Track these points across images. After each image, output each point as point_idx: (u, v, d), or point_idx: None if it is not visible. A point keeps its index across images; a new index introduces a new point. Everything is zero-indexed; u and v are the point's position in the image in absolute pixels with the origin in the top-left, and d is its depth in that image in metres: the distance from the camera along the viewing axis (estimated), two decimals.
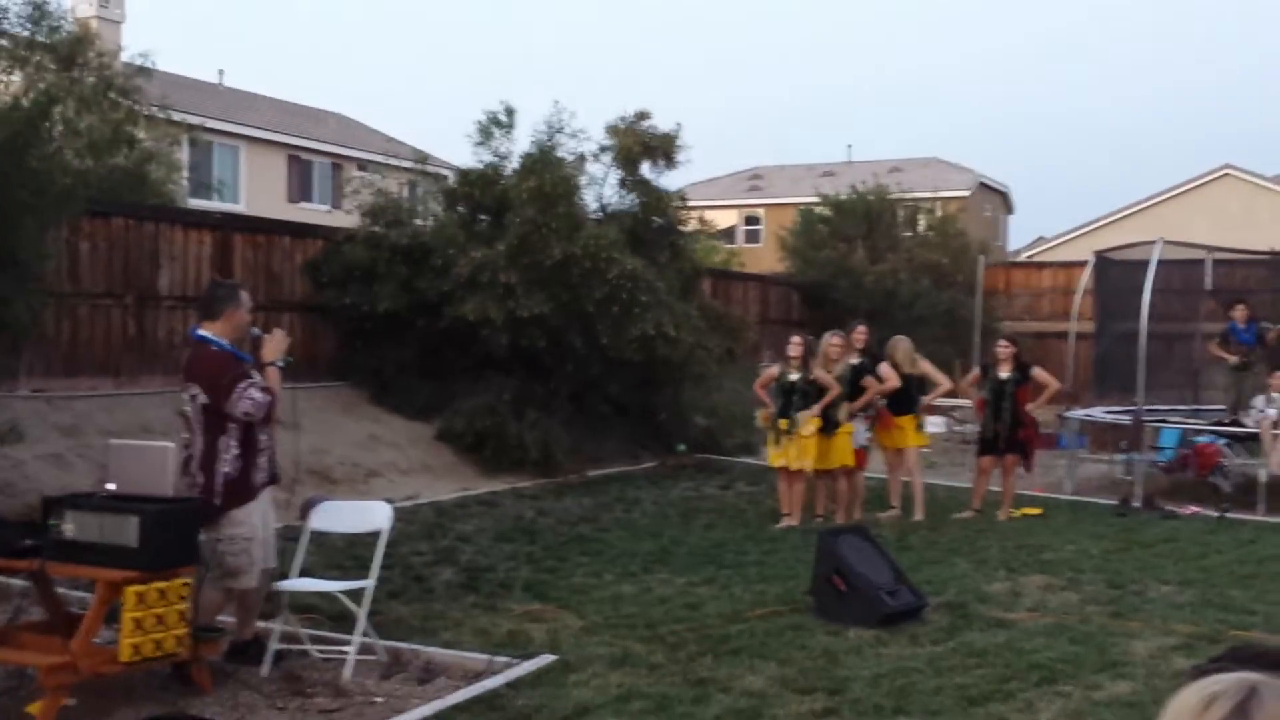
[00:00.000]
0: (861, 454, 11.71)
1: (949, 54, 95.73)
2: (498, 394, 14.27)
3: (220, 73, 33.67)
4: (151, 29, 62.65)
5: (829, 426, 11.21)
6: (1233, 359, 14.84)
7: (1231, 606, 8.11)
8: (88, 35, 16.31)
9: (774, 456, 11.42)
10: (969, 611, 7.81)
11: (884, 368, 11.80)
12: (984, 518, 11.71)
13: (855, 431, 11.54)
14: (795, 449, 11.11)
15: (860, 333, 11.90)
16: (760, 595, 8.26)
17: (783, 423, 11.15)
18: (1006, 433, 11.80)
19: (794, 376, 11.17)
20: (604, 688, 6.09)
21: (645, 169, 16.89)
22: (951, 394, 14.27)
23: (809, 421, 11.07)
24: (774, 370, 11.52)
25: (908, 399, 11.96)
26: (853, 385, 11.43)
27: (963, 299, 23.35)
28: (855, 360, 11.61)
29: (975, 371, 12.89)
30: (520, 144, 15.96)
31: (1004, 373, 11.79)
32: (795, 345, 11.28)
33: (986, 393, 11.99)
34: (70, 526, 5.77)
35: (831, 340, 11.50)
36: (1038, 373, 12.04)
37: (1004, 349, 11.97)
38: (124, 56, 17.94)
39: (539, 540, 10.35)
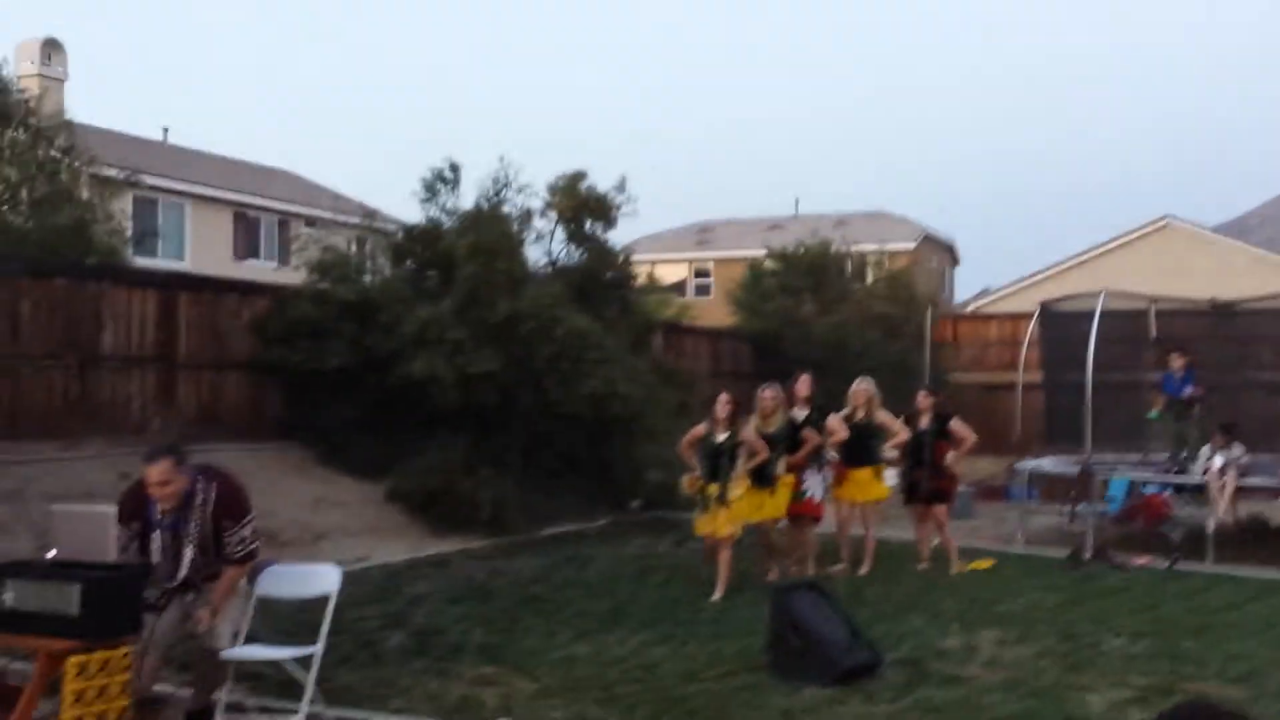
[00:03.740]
0: (819, 507, 11.54)
1: (894, 107, 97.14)
2: (448, 452, 14.13)
3: (165, 130, 33.46)
4: (95, 87, 62.41)
5: (765, 480, 10.74)
6: (1154, 410, 14.79)
7: (1185, 657, 8.13)
8: (30, 96, 16.17)
9: (700, 523, 10.68)
10: (924, 668, 7.78)
11: (831, 420, 11.69)
12: (936, 569, 11.70)
13: (811, 485, 11.40)
14: (723, 515, 10.40)
15: (804, 383, 11.67)
16: (716, 654, 8.18)
17: (711, 488, 10.44)
18: (927, 482, 11.85)
19: (720, 437, 10.44)
20: None
21: (590, 225, 16.95)
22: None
23: (737, 483, 10.45)
24: (700, 429, 10.73)
25: (864, 450, 11.86)
26: (792, 439, 11.16)
27: (912, 350, 23.50)
28: (801, 412, 11.43)
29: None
30: (467, 200, 16.01)
31: (923, 423, 11.89)
32: (723, 405, 10.48)
33: (908, 443, 12.07)
34: (10, 595, 5.64)
35: (763, 394, 10.98)
36: (954, 425, 12.07)
37: (924, 400, 12.08)
38: (67, 116, 17.77)
39: (491, 601, 10.21)
